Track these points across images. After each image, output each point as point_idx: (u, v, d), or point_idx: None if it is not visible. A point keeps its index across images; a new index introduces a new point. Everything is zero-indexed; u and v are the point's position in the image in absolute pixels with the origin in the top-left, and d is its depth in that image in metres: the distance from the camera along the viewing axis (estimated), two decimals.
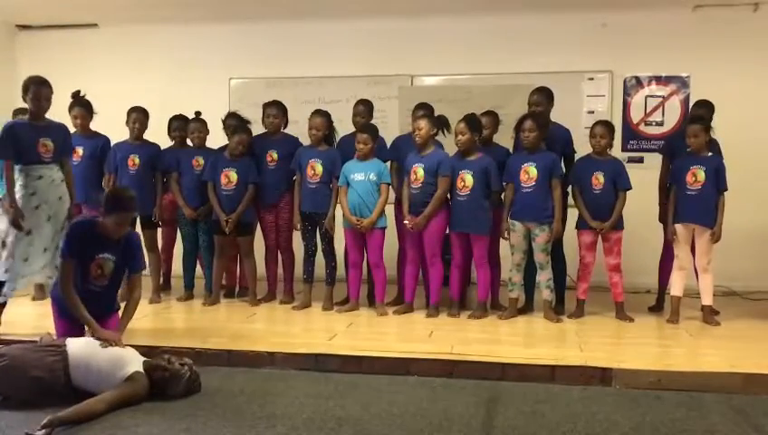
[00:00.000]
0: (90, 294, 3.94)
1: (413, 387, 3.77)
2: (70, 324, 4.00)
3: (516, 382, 3.84)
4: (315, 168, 5.40)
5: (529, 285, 5.35)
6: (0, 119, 5.90)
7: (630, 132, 6.68)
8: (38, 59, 7.52)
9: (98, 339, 3.63)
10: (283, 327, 5.01)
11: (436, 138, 5.29)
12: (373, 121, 5.62)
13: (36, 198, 4.67)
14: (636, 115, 6.69)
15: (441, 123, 5.27)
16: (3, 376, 3.34)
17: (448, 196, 5.22)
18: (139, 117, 5.77)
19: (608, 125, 5.23)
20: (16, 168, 4.64)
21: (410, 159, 5.25)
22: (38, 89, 4.71)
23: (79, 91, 5.53)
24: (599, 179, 5.10)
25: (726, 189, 4.95)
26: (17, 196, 4.61)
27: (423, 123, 5.16)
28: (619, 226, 5.12)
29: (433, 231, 5.19)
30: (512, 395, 3.63)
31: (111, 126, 5.78)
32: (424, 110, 5.51)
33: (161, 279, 6.04)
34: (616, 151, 5.76)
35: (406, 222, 5.20)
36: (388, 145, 5.71)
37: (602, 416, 3.34)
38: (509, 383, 3.84)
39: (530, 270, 5.25)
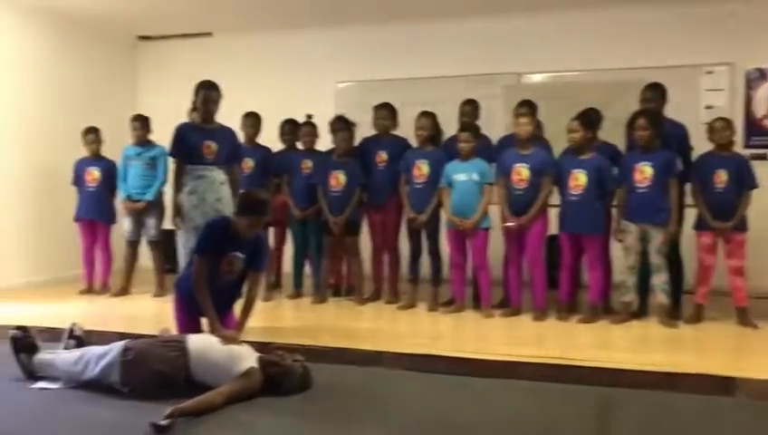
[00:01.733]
0: (216, 289, 4.06)
1: (521, 391, 3.69)
2: (189, 320, 4.18)
3: (630, 389, 3.69)
4: (422, 168, 5.42)
5: (642, 288, 5.15)
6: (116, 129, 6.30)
7: (754, 128, 6.30)
8: (157, 68, 7.98)
9: (218, 337, 3.78)
10: (389, 326, 5.04)
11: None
12: (478, 122, 5.59)
13: (195, 197, 4.88)
14: (760, 110, 6.30)
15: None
16: (129, 369, 3.52)
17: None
18: (252, 121, 6.00)
19: (726, 119, 4.97)
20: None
21: (510, 158, 5.15)
22: (207, 93, 4.90)
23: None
24: (721, 177, 4.84)
25: None
26: (180, 194, 4.89)
27: (526, 120, 5.07)
28: (742, 227, 4.85)
29: (536, 233, 5.09)
30: (626, 403, 3.49)
31: None
32: (527, 107, 5.42)
33: (272, 278, 6.23)
34: (738, 148, 5.45)
35: (509, 224, 5.10)
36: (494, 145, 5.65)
37: (725, 427, 3.17)
38: (623, 390, 3.68)
39: (643, 272, 5.05)
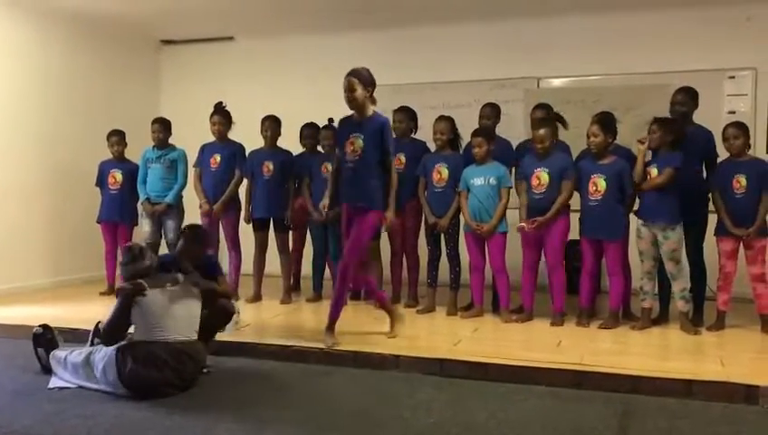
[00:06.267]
0: None
1: (541, 397, 3.69)
2: None
3: (650, 397, 3.67)
4: (441, 172, 5.42)
5: (664, 294, 5.12)
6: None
7: None
8: (179, 71, 8.06)
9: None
10: (407, 331, 5.01)
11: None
12: (498, 125, 5.59)
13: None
14: None
15: (558, 118, 5.16)
16: (121, 363, 3.60)
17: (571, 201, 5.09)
18: (271, 125, 6.01)
19: (740, 126, 4.90)
20: None
21: (530, 163, 5.14)
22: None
23: (221, 102, 5.88)
24: (740, 182, 4.79)
25: None
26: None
27: (543, 131, 5.04)
28: (763, 232, 4.79)
29: (555, 237, 5.06)
30: (646, 409, 3.48)
31: (247, 134, 6.05)
32: (542, 110, 5.41)
33: (291, 281, 6.26)
34: (761, 154, 5.41)
35: (522, 224, 5.08)
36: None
37: None
38: (642, 397, 3.67)
39: (664, 279, 5.02)
